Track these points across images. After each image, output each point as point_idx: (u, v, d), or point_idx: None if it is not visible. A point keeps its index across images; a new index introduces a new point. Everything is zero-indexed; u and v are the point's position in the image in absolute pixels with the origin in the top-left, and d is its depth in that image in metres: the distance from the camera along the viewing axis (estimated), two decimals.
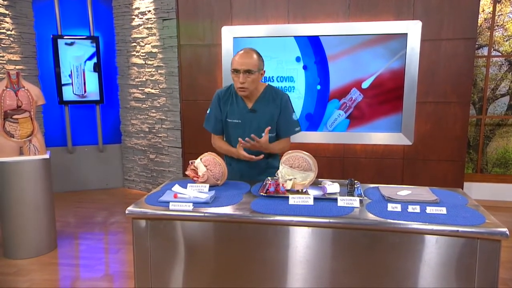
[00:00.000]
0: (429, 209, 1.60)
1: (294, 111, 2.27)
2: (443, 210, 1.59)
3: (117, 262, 3.15)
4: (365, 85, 3.95)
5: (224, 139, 2.35)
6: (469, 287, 1.48)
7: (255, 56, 2.09)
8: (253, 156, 2.12)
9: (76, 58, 4.87)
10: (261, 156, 2.13)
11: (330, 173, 4.07)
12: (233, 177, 2.22)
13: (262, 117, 2.19)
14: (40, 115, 4.81)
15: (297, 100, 4.10)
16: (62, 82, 4.85)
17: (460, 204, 1.73)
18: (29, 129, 3.24)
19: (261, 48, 4.00)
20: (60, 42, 4.77)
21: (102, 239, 3.63)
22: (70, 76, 4.88)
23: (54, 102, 4.89)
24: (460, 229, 1.45)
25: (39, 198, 3.19)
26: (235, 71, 2.07)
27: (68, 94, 4.89)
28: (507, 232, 1.43)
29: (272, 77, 4.11)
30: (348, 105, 4.02)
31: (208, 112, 2.30)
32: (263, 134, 2.09)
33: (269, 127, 2.08)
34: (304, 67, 4.04)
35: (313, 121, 4.10)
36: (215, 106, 2.25)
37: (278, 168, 2.18)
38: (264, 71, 2.18)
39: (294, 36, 4.00)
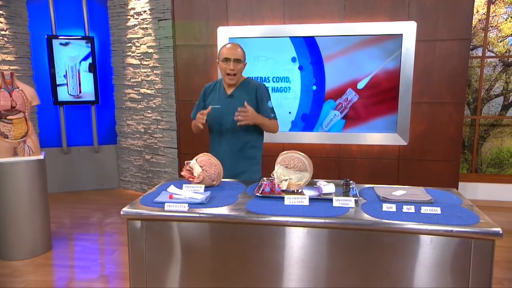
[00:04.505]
0: (424, 209, 1.61)
1: (270, 100, 2.48)
2: (437, 210, 1.60)
3: (112, 263, 3.14)
4: (360, 85, 3.96)
5: (207, 125, 2.56)
6: (464, 286, 1.49)
7: (240, 49, 2.38)
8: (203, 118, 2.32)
9: (71, 58, 4.85)
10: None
11: (326, 174, 4.07)
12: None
13: (238, 102, 2.37)
14: (34, 116, 4.78)
15: (293, 101, 4.11)
16: (57, 83, 4.82)
17: (455, 204, 1.74)
18: (24, 129, 3.22)
19: (256, 48, 4.07)
20: (55, 42, 4.75)
21: (98, 240, 3.61)
22: (65, 76, 4.86)
23: (49, 102, 4.86)
24: (455, 229, 1.46)
25: (34, 199, 3.17)
26: (226, 59, 2.33)
27: (63, 94, 4.87)
28: (501, 232, 1.44)
29: (268, 77, 4.12)
30: (343, 105, 4.03)
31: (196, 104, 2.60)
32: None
33: (246, 103, 2.28)
34: (300, 68, 4.05)
35: (309, 121, 4.11)
36: (201, 97, 2.55)
37: (256, 159, 2.50)
38: (246, 63, 2.44)
39: (290, 37, 4.01)
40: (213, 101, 2.47)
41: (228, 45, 2.38)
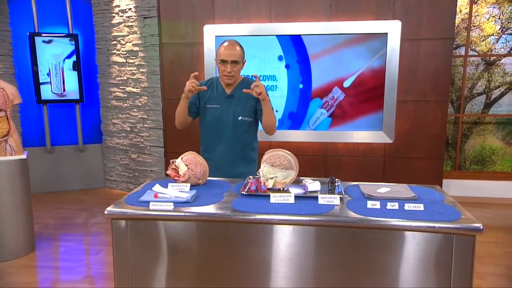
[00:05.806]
0: (407, 206, 1.63)
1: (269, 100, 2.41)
2: (420, 207, 1.62)
3: (98, 264, 3.10)
4: (346, 84, 3.99)
5: (200, 125, 2.46)
6: (446, 280, 1.52)
7: (238, 47, 2.31)
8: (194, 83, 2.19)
9: (54, 56, 4.76)
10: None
11: (313, 172, 4.10)
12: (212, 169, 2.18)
13: (238, 102, 2.35)
14: (17, 115, 4.69)
15: (280, 99, 4.12)
16: (40, 81, 4.73)
17: (437, 200, 1.77)
18: (5, 128, 3.15)
19: (243, 46, 4.04)
20: (38, 40, 4.66)
21: (83, 240, 3.57)
22: (49, 74, 4.77)
23: (32, 101, 4.77)
24: (437, 225, 1.49)
25: (16, 200, 3.11)
26: (223, 61, 2.25)
27: (47, 93, 4.78)
28: (481, 228, 1.46)
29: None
30: (330, 103, 4.05)
31: None
32: (240, 118, 2.33)
33: (258, 76, 2.27)
34: (287, 66, 4.06)
35: (296, 119, 4.12)
36: (196, 95, 2.36)
37: (256, 162, 2.45)
38: (246, 61, 2.39)
39: (276, 35, 4.01)
40: (211, 100, 2.37)
41: (225, 44, 2.26)
